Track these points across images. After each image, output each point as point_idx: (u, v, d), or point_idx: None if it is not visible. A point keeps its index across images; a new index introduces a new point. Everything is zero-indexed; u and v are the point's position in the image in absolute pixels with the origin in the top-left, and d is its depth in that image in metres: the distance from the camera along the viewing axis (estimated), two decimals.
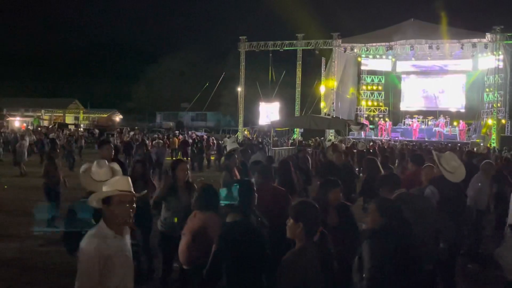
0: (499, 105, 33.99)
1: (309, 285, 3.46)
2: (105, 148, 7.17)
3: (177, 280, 5.92)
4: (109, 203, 3.58)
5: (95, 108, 70.90)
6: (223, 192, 5.14)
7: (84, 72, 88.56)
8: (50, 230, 9.20)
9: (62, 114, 67.19)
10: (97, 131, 45.32)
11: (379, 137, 34.90)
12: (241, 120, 41.88)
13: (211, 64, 65.20)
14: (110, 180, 3.81)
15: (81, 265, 3.48)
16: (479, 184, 8.40)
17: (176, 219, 5.92)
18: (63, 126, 49.40)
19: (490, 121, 34.04)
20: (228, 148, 10.61)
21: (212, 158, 26.99)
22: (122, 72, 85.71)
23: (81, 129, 49.71)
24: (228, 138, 35.52)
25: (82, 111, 70.07)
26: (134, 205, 3.68)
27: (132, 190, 3.72)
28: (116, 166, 5.22)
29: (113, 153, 7.23)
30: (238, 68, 40.91)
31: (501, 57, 33.36)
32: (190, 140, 29.09)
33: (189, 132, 45.26)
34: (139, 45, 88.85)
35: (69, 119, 66.83)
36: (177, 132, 45.11)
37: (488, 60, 35.38)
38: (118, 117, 72.81)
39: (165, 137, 33.32)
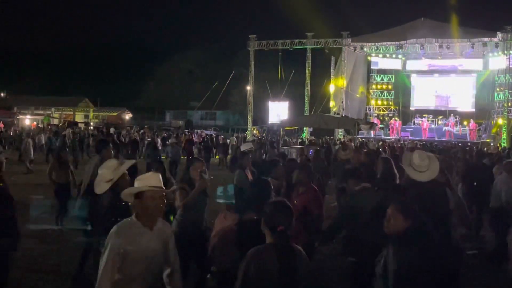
0: (509, 104, 33.78)
1: (264, 279, 3.56)
2: (105, 152, 7.26)
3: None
4: (141, 198, 3.80)
5: (105, 107, 71.23)
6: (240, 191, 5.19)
7: (94, 70, 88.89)
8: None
9: (72, 113, 67.53)
10: (108, 129, 45.54)
11: (389, 137, 34.76)
12: (250, 119, 41.90)
13: (220, 63, 65.37)
14: (142, 176, 3.99)
15: (105, 253, 3.66)
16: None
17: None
18: (73, 124, 49.60)
19: (500, 121, 33.84)
20: (243, 149, 10.57)
21: (217, 157, 27.07)
22: (132, 70, 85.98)
23: (91, 127, 49.89)
24: (235, 137, 35.72)
25: (92, 110, 70.41)
26: (165, 201, 3.90)
27: (162, 186, 3.94)
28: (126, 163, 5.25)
29: (112, 154, 7.31)
30: (247, 67, 40.93)
31: None
32: (195, 139, 29.18)
33: (198, 131, 45.32)
34: (149, 44, 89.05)
35: (79, 117, 67.11)
36: (186, 130, 45.22)
37: (499, 59, 35.17)
38: (127, 116, 73.06)
39: (177, 135, 33.40)
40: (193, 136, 36.94)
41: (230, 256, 4.67)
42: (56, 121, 58.55)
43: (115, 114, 71.81)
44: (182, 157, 23.49)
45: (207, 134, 40.59)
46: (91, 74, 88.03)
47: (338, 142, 26.23)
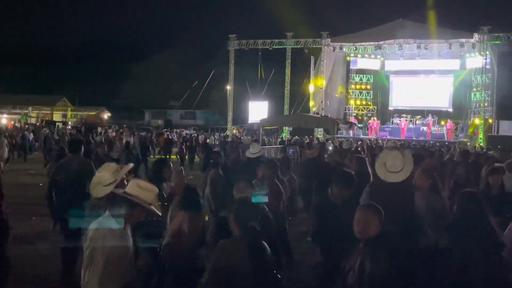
0: (486, 104, 34.26)
1: (232, 271, 3.69)
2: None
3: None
4: (137, 206, 3.79)
5: (83, 106, 70.55)
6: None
7: (72, 69, 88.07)
8: None
9: (50, 112, 66.74)
10: (86, 129, 45.17)
11: (368, 136, 35.00)
12: (230, 118, 41.88)
13: (200, 62, 65.23)
14: (148, 187, 3.93)
15: (90, 255, 3.61)
16: None
17: None
18: (50, 123, 49.03)
19: (477, 121, 34.31)
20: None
21: (197, 157, 26.93)
22: (111, 69, 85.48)
23: (69, 126, 49.35)
24: (213, 136, 35.67)
25: (70, 109, 69.67)
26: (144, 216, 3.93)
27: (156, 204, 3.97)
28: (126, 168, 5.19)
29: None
30: (227, 66, 40.92)
31: (488, 57, 33.62)
32: (175, 139, 29.01)
33: (178, 130, 45.15)
34: (128, 43, 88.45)
35: (57, 116, 66.34)
36: (165, 130, 45.03)
37: (476, 60, 35.66)
38: (106, 115, 72.50)
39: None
40: (173, 135, 36.85)
41: (182, 255, 4.74)
42: (33, 120, 57.87)
43: (94, 113, 71.18)
44: (162, 156, 23.40)
45: (187, 134, 40.44)
46: (70, 73, 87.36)
47: (317, 142, 26.37)
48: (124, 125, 48.29)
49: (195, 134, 40.13)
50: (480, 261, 4.32)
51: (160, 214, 4.07)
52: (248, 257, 3.75)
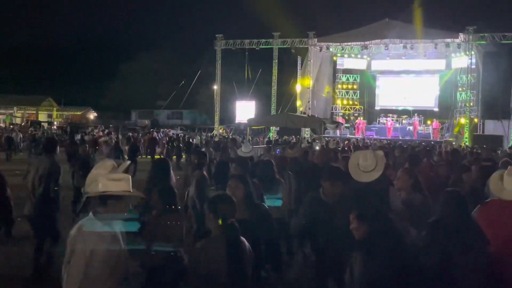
0: (471, 104, 34.52)
1: (213, 271, 3.74)
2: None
3: None
4: (119, 199, 3.73)
5: (69, 106, 70.06)
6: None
7: (57, 69, 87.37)
8: None
9: (35, 112, 66.25)
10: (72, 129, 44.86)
11: (354, 136, 35.12)
12: (217, 118, 41.83)
13: (187, 62, 64.94)
14: (120, 176, 3.85)
15: (75, 257, 3.54)
16: None
17: None
18: (36, 124, 48.66)
19: (463, 120, 34.56)
20: (244, 151, 10.43)
21: (184, 156, 26.79)
22: (97, 69, 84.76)
23: (54, 127, 49.02)
24: (199, 136, 35.58)
25: (55, 109, 69.18)
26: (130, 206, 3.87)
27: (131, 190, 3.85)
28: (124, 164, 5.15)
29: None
30: (214, 66, 40.84)
31: (474, 57, 33.89)
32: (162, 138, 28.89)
33: (165, 130, 45.01)
34: (114, 42, 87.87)
35: (42, 116, 65.86)
36: (152, 130, 44.86)
37: (461, 60, 35.95)
38: (92, 115, 72.08)
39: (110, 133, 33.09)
40: (158, 135, 36.69)
41: (159, 254, 4.76)
42: (18, 121, 57.40)
43: (80, 113, 70.76)
44: (144, 157, 23.31)
45: (174, 134, 40.32)
46: (55, 73, 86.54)
47: (306, 141, 26.42)
48: (110, 125, 48.06)
49: (182, 134, 40.04)
50: (464, 260, 4.34)
51: (143, 196, 4.06)
52: (226, 255, 3.77)
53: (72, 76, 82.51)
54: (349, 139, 30.71)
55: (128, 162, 5.35)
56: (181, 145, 25.70)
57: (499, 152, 18.77)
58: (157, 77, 74.16)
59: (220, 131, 42.20)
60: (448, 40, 34.74)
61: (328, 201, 5.19)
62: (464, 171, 7.65)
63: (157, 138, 32.12)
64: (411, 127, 35.69)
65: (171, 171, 6.37)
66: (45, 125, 51.46)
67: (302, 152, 11.73)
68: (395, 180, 6.32)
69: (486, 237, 4.53)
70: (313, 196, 5.45)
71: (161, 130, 45.75)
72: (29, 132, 33.54)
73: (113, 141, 24.04)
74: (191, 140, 28.93)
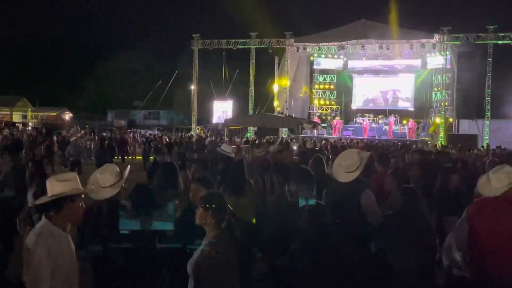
0: (446, 104, 34.99)
1: (228, 269, 3.90)
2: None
3: None
4: (72, 200, 3.65)
5: (44, 106, 69.05)
6: None
7: (32, 69, 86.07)
8: None
9: (9, 113, 65.15)
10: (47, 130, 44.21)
11: (331, 136, 35.30)
12: (194, 118, 41.68)
13: (163, 62, 64.64)
14: (66, 176, 3.80)
15: (33, 265, 3.45)
16: None
17: None
18: (10, 124, 47.84)
19: (438, 120, 35.00)
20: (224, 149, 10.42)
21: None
22: (72, 69, 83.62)
23: (29, 128, 48.25)
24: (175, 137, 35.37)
25: (30, 109, 68.13)
26: (84, 205, 3.80)
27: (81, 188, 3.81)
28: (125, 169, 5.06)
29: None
30: (191, 66, 40.69)
31: (448, 57, 34.33)
32: (138, 139, 28.65)
33: (142, 131, 44.69)
34: (90, 42, 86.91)
35: (17, 117, 64.74)
36: (128, 130, 44.51)
37: (436, 60, 36.39)
38: (68, 116, 71.15)
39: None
40: (136, 136, 36.42)
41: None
42: None
43: (55, 114, 69.75)
44: (117, 158, 23.10)
45: (151, 134, 40.05)
46: (29, 73, 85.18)
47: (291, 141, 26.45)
48: (86, 126, 47.53)
49: (159, 134, 39.77)
50: (413, 251, 4.64)
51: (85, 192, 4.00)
52: (236, 249, 3.96)
53: (47, 76, 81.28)
54: (326, 139, 30.85)
55: (129, 166, 5.29)
56: (159, 145, 25.52)
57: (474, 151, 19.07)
58: (134, 77, 73.71)
59: (198, 131, 42.04)
60: (423, 40, 35.12)
61: (294, 201, 5.23)
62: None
63: (128, 139, 31.90)
64: (387, 127, 36.00)
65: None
66: (20, 126, 50.63)
67: (274, 151, 11.71)
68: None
69: (433, 231, 5.06)
70: (278, 195, 5.53)
71: (138, 130, 45.43)
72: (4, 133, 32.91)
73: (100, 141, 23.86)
74: (171, 140, 28.77)
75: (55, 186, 3.68)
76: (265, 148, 12.35)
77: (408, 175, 6.42)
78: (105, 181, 4.67)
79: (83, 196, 3.78)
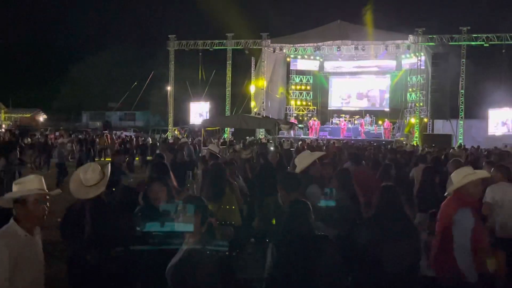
0: (421, 104, 35.41)
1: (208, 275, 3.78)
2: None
3: None
4: (24, 202, 3.61)
5: (17, 108, 67.98)
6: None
7: (4, 69, 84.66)
8: None
9: None
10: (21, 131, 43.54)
11: (308, 136, 35.44)
12: (171, 119, 41.47)
13: (139, 63, 64.10)
14: (24, 179, 3.80)
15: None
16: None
17: None
18: None
19: (413, 120, 35.39)
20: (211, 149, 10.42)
21: (137, 159, 26.38)
22: (46, 70, 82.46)
23: (2, 130, 47.46)
24: (150, 138, 35.18)
25: (3, 111, 67.01)
26: (48, 205, 3.75)
27: (45, 189, 3.77)
28: (106, 167, 4.99)
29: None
30: (167, 67, 40.49)
31: (423, 58, 34.73)
32: (115, 140, 28.38)
33: (117, 133, 44.24)
34: (64, 42, 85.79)
35: None
36: (104, 132, 44.01)
37: (411, 61, 36.82)
38: (42, 117, 70.17)
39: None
40: (113, 137, 36.02)
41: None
42: None
43: (29, 115, 68.73)
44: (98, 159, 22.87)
45: (126, 136, 39.72)
46: (2, 74, 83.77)
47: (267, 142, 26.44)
48: (61, 127, 46.95)
49: (134, 136, 39.48)
50: (397, 250, 4.71)
51: (50, 193, 3.87)
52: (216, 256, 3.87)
53: (21, 77, 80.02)
54: (303, 140, 30.98)
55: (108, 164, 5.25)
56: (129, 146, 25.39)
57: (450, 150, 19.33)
58: (109, 78, 72.87)
59: (175, 132, 41.83)
60: (398, 41, 35.51)
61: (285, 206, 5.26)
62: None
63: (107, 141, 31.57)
64: (360, 128, 36.34)
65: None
66: None
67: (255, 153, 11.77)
68: None
69: (416, 228, 5.14)
70: (271, 201, 5.57)
71: (114, 132, 44.97)
72: None
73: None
74: (145, 141, 28.61)
75: (13, 189, 3.71)
76: (252, 150, 12.40)
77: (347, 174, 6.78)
78: (89, 180, 4.64)
79: (45, 197, 3.73)
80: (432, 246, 5.14)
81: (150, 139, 34.34)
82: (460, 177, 5.00)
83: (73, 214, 4.72)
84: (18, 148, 13.11)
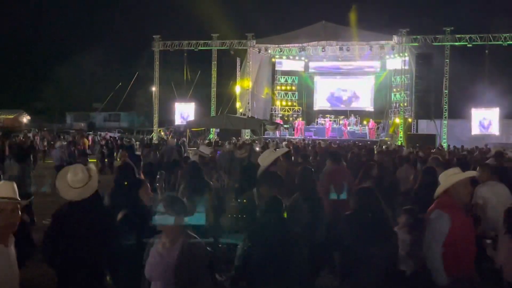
0: (405, 104, 35.63)
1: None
2: None
3: None
4: None
5: (0, 109, 67.30)
6: None
7: None
8: None
9: None
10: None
11: (294, 137, 35.48)
12: (156, 120, 41.26)
13: (124, 63, 63.70)
14: None
15: None
16: None
17: None
18: None
19: (397, 120, 35.59)
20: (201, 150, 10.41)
21: (118, 160, 26.15)
22: (29, 71, 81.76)
23: None
24: (133, 138, 34.95)
25: None
26: (19, 213, 3.59)
27: (17, 196, 3.61)
28: (93, 168, 4.94)
29: None
30: (152, 68, 40.29)
31: (407, 58, 34.94)
32: (99, 141, 28.19)
33: (102, 133, 43.99)
34: (48, 43, 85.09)
35: None
36: (89, 133, 43.76)
37: (395, 61, 37.02)
38: (25, 118, 69.52)
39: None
40: (96, 138, 35.84)
41: None
42: None
43: (11, 116, 68.05)
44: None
45: (111, 137, 39.47)
46: None
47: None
48: (45, 129, 46.54)
49: (117, 137, 39.22)
50: (372, 248, 4.80)
51: (20, 202, 3.76)
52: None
53: (4, 78, 79.20)
54: (289, 140, 31.03)
55: (91, 164, 5.22)
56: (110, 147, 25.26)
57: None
58: (93, 79, 72.43)
59: (161, 133, 41.67)
60: (383, 42, 35.70)
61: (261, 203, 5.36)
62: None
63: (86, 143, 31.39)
64: (343, 128, 36.49)
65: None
66: None
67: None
68: None
69: (393, 229, 5.25)
70: (246, 197, 5.61)
71: (98, 133, 44.72)
72: None
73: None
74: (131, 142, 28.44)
75: None
76: (247, 149, 12.44)
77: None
78: (76, 182, 4.60)
79: (15, 205, 3.60)
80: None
81: (134, 140, 34.11)
82: (447, 177, 5.00)
83: (60, 216, 4.66)
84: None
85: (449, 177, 4.98)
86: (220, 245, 4.47)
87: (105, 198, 6.32)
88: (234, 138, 30.52)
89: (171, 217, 3.76)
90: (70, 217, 4.56)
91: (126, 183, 5.90)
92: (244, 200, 5.36)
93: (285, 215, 4.63)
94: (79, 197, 4.53)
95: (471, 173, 5.26)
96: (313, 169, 7.01)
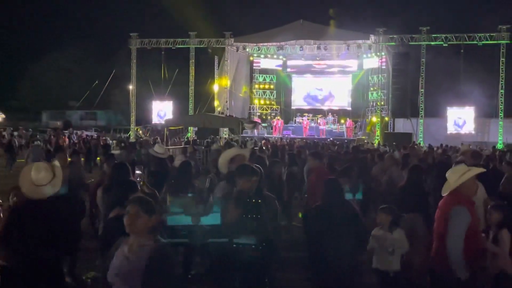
0: (382, 103, 35.92)
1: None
2: None
3: None
4: None
5: None
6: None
7: None
8: None
9: None
10: None
11: (272, 135, 35.54)
12: (133, 119, 40.96)
13: (100, 61, 63.04)
14: None
15: None
16: None
17: None
18: None
19: (374, 119, 35.88)
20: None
21: (98, 159, 25.92)
22: (3, 68, 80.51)
23: None
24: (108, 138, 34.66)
25: None
26: None
27: None
28: (57, 164, 4.85)
29: None
30: (129, 66, 39.97)
31: (384, 57, 35.24)
32: (75, 141, 27.85)
33: (78, 132, 43.49)
34: (22, 40, 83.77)
35: None
36: (65, 131, 43.20)
37: (372, 60, 37.30)
38: (0, 117, 68.44)
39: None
40: (73, 137, 35.44)
41: None
42: None
43: None
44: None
45: (87, 135, 39.07)
46: None
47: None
48: (20, 127, 45.83)
49: (96, 136, 38.85)
50: (337, 237, 5.16)
51: None
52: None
53: None
54: (267, 139, 31.06)
55: (56, 161, 5.14)
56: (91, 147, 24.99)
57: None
58: (69, 77, 71.50)
59: (139, 132, 41.39)
60: (360, 41, 35.97)
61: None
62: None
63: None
64: (320, 127, 36.66)
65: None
66: None
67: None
68: None
69: (360, 219, 5.68)
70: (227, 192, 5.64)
71: (74, 131, 44.16)
72: None
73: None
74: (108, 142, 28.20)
75: None
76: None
77: None
78: (41, 179, 4.52)
79: None
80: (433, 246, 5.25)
81: (109, 139, 33.76)
82: (457, 175, 5.06)
83: (17, 215, 4.58)
84: None
85: (462, 174, 5.05)
86: (234, 245, 4.48)
87: (98, 192, 6.41)
88: (212, 136, 30.43)
89: (187, 217, 3.74)
90: (28, 215, 4.47)
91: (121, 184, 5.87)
92: (254, 200, 5.31)
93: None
94: (44, 196, 4.47)
95: (479, 170, 5.31)
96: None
